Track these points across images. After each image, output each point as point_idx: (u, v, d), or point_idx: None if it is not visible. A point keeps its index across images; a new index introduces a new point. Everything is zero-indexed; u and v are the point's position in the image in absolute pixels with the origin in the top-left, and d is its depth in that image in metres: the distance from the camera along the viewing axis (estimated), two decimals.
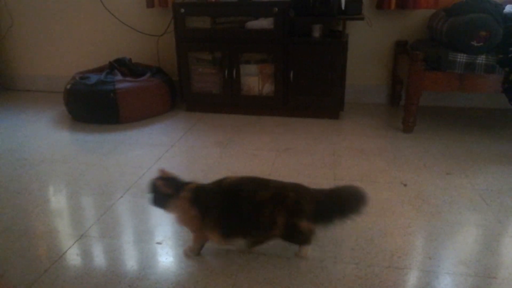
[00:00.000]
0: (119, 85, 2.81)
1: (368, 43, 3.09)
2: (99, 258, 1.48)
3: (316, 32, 2.76)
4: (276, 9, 2.69)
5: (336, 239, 1.54)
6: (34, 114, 3.13)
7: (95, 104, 2.81)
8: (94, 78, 2.89)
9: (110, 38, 3.45)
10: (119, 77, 2.92)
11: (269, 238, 1.42)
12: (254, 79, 2.92)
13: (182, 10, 2.83)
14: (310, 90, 2.81)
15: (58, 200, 1.89)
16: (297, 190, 1.41)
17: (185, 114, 3.06)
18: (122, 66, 3.09)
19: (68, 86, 2.92)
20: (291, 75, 2.80)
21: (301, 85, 2.81)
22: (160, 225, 1.66)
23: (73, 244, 1.55)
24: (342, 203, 1.42)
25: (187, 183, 1.44)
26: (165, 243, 1.55)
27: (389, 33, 3.04)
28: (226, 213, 1.37)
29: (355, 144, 2.45)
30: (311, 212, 1.37)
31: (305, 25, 2.81)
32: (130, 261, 1.46)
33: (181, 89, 3.06)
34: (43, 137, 2.67)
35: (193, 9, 2.86)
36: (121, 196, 1.89)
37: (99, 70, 3.14)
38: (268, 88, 2.92)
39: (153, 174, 2.07)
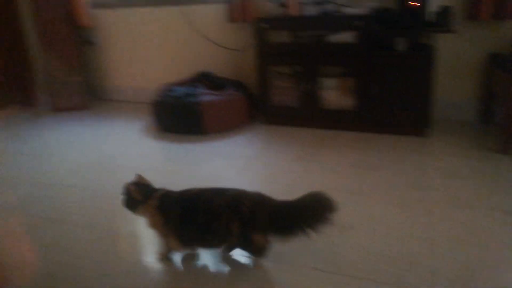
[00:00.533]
0: (203, 98, 2.94)
1: (457, 55, 2.93)
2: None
3: (401, 45, 2.67)
4: (359, 22, 2.65)
5: (433, 266, 1.47)
6: (125, 123, 3.37)
7: (181, 116, 2.96)
8: (180, 90, 3.06)
9: (195, 53, 3.63)
10: (203, 90, 3.06)
11: (230, 245, 1.46)
12: (334, 93, 2.90)
13: (265, 25, 2.90)
14: (393, 105, 2.72)
15: None
16: (254, 199, 1.43)
17: (264, 127, 3.12)
18: (206, 79, 3.23)
19: (157, 98, 3.11)
20: (373, 89, 2.73)
21: (384, 100, 2.74)
22: None
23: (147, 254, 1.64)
24: (304, 213, 1.39)
25: (156, 190, 1.53)
26: (250, 256, 1.58)
27: (482, 45, 2.86)
28: (184, 221, 1.44)
29: (444, 164, 2.32)
30: (265, 223, 1.38)
31: (389, 38, 2.73)
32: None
33: (260, 103, 3.12)
34: (134, 145, 2.86)
35: (275, 24, 2.92)
36: None
37: (184, 83, 3.31)
38: (348, 102, 2.88)
39: (235, 184, 2.14)
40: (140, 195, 1.50)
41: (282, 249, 1.53)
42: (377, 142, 2.70)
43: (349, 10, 2.80)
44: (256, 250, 1.45)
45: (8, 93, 3.79)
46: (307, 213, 1.39)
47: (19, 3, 3.66)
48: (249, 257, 1.53)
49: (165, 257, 1.58)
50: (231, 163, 2.47)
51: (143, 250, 1.67)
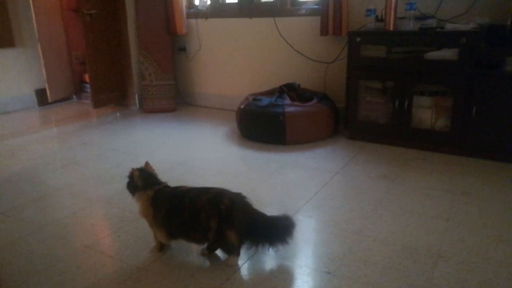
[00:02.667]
0: (288, 109, 2.94)
1: None
2: (271, 278, 1.52)
3: (511, 64, 2.44)
4: (464, 39, 2.48)
5: None
6: (210, 128, 3.49)
7: (265, 125, 2.98)
8: (265, 100, 3.09)
9: (281, 63, 3.66)
10: (288, 101, 3.06)
11: (210, 241, 1.55)
12: (427, 112, 2.73)
13: (358, 39, 2.83)
14: (496, 129, 2.49)
15: None
16: (233, 199, 1.52)
17: (347, 141, 3.03)
18: (291, 90, 3.23)
19: (242, 106, 3.17)
20: (474, 110, 2.53)
21: (485, 123, 2.52)
22: (332, 253, 1.64)
23: (249, 258, 1.63)
24: (273, 230, 1.54)
25: (156, 183, 1.64)
26: (335, 273, 1.52)
27: None
28: (171, 215, 1.56)
29: None
30: (241, 224, 1.49)
31: (497, 57, 2.51)
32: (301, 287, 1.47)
33: (345, 116, 3.05)
34: (217, 150, 2.94)
35: (369, 38, 2.84)
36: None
37: (270, 93, 3.34)
38: (442, 122, 2.69)
39: (317, 198, 2.09)
40: (141, 182, 1.61)
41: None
42: (475, 167, 2.48)
43: (452, 26, 2.64)
44: (227, 246, 1.55)
45: (108, 93, 4.11)
46: (276, 232, 1.54)
47: (125, 12, 3.98)
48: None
49: (158, 250, 1.68)
50: (312, 176, 2.42)
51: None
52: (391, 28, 2.78)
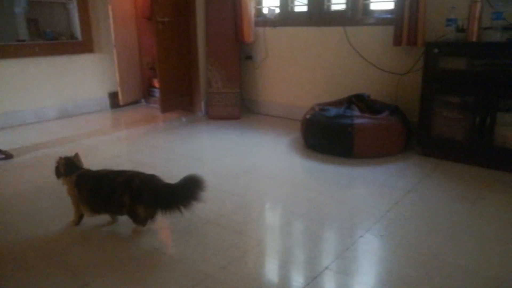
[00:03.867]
0: (357, 121, 2.84)
1: None
2: None
3: None
4: None
5: None
6: (274, 137, 3.47)
7: (332, 136, 2.91)
8: (333, 111, 3.01)
9: (350, 73, 3.56)
10: (357, 112, 2.96)
11: (124, 214, 1.85)
12: None
13: (436, 50, 2.67)
14: None
15: (300, 225, 1.98)
16: (143, 179, 1.82)
17: (419, 158, 2.86)
18: (360, 101, 3.13)
19: (308, 116, 3.12)
20: None
21: None
22: (407, 277, 1.53)
23: (318, 275, 1.57)
24: (184, 193, 1.82)
25: (79, 169, 1.94)
26: None
27: None
28: (92, 193, 1.85)
29: None
30: (149, 200, 1.80)
31: None
32: None
33: (418, 131, 2.89)
34: (282, 160, 2.90)
35: (449, 49, 2.67)
36: (361, 236, 1.85)
37: (337, 103, 3.26)
38: None
39: (387, 217, 1.98)
40: (64, 169, 1.93)
41: None
42: None
43: None
44: (137, 218, 1.85)
45: (176, 98, 4.25)
46: (184, 194, 1.81)
47: (195, 20, 4.09)
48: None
49: (76, 224, 1.97)
50: (382, 193, 2.30)
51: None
52: (474, 39, 2.60)
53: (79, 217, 1.98)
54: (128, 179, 1.82)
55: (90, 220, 1.97)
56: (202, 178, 1.84)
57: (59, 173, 1.96)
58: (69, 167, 1.94)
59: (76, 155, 2.01)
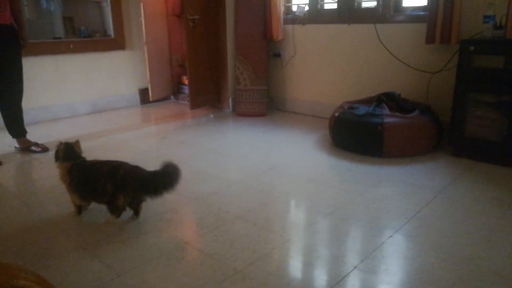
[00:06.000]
0: (387, 119, 2.80)
1: None
2: None
3: None
4: None
5: None
6: (301, 135, 3.46)
7: (361, 135, 2.87)
8: (363, 109, 2.97)
9: (380, 71, 3.51)
10: (387, 111, 2.91)
11: (105, 202, 1.94)
12: None
13: (472, 48, 2.60)
14: None
15: (328, 224, 1.97)
16: (127, 170, 1.92)
17: (450, 158, 2.79)
18: (390, 100, 3.07)
19: (336, 114, 3.09)
20: None
21: None
22: (440, 280, 1.50)
23: (347, 274, 1.56)
24: (163, 180, 1.92)
25: (77, 158, 2.00)
26: None
27: None
28: (82, 182, 1.94)
29: None
30: (132, 190, 1.90)
31: None
32: None
33: (450, 131, 2.81)
34: (308, 157, 2.89)
35: (486, 47, 2.59)
36: (391, 236, 1.82)
37: (366, 101, 3.22)
38: None
39: (417, 217, 1.94)
40: (62, 155, 1.99)
41: None
42: None
43: None
44: (114, 208, 1.94)
45: (205, 95, 4.29)
46: (165, 180, 1.92)
47: (224, 18, 4.12)
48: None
49: (77, 214, 2.06)
50: (412, 193, 2.26)
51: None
52: None
53: (77, 208, 2.07)
54: (112, 169, 1.91)
55: (122, 214, 2.02)
56: (177, 166, 1.95)
57: (57, 157, 2.02)
58: (67, 153, 2.00)
59: (77, 142, 2.08)
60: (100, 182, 1.91)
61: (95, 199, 1.99)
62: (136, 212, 2.03)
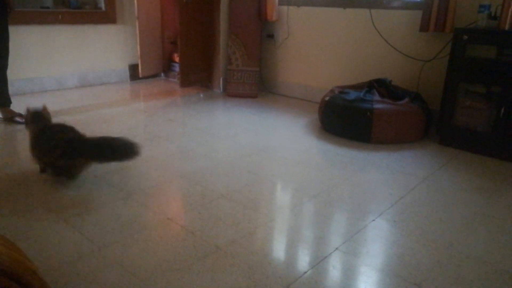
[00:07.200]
0: (377, 105, 2.79)
1: None
2: (352, 277, 1.45)
3: None
4: None
5: None
6: (291, 118, 3.44)
7: (350, 120, 2.87)
8: (353, 94, 2.96)
9: (373, 57, 3.49)
10: (377, 97, 2.90)
11: (54, 166, 2.06)
12: None
13: (465, 37, 2.59)
14: None
15: (313, 206, 1.98)
16: (76, 135, 2.06)
17: (437, 147, 2.81)
18: (381, 86, 3.07)
19: (327, 98, 3.08)
20: None
21: None
22: (419, 264, 1.52)
23: (328, 255, 1.57)
24: (111, 150, 2.04)
25: (43, 123, 2.12)
26: (422, 285, 1.41)
27: None
28: (39, 144, 2.06)
29: None
30: (80, 152, 2.02)
31: None
32: None
33: (439, 120, 2.83)
34: (297, 140, 2.89)
35: (479, 37, 2.58)
36: (373, 220, 1.84)
37: (357, 87, 3.21)
38: None
39: (401, 202, 1.96)
40: (29, 120, 2.15)
41: None
42: None
43: None
44: (57, 170, 2.08)
45: (195, 74, 4.23)
46: (117, 151, 2.05)
47: None
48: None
49: (40, 171, 2.21)
50: (398, 179, 2.28)
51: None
52: (507, 27, 2.50)
53: (40, 166, 2.22)
54: (61, 134, 2.04)
55: (102, 189, 2.00)
56: (134, 143, 2.07)
57: (27, 122, 2.19)
58: (35, 119, 2.15)
59: (44, 107, 2.21)
60: (51, 145, 2.02)
61: (44, 161, 2.10)
62: (70, 174, 2.13)
